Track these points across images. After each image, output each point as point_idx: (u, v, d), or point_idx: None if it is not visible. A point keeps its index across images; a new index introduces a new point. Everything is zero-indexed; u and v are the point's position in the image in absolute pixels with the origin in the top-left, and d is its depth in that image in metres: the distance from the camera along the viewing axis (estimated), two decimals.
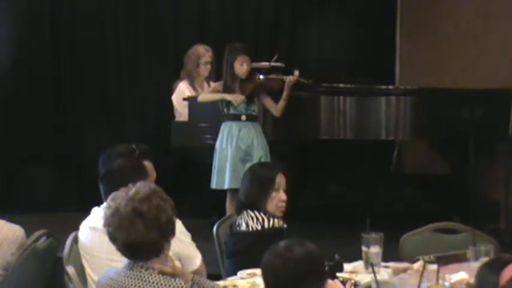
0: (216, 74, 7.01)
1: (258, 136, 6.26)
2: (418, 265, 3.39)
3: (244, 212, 3.91)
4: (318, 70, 7.74)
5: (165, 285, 2.83)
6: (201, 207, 6.84)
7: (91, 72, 8.06)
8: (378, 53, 8.25)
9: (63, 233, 3.74)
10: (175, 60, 7.63)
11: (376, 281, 3.04)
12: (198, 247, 3.60)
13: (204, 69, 7.11)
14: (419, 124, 6.62)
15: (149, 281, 2.85)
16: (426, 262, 3.12)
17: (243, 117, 6.25)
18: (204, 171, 6.52)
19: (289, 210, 4.01)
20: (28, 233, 3.77)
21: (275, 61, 6.46)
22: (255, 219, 3.86)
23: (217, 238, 4.20)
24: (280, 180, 3.97)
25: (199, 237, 3.75)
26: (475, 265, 2.94)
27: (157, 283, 2.84)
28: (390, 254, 3.79)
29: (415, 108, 6.56)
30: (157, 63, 8.06)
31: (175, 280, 2.85)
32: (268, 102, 6.32)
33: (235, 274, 3.57)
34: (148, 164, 3.60)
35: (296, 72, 6.28)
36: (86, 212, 3.66)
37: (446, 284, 3.10)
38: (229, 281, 3.51)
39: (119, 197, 2.93)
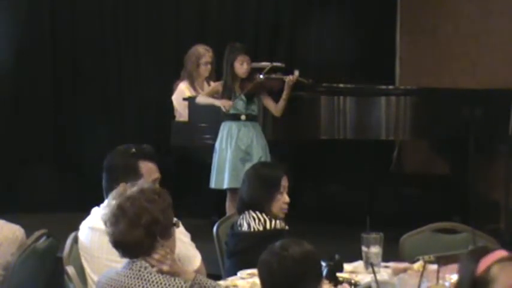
0: (216, 74, 7.01)
1: (258, 136, 6.26)
2: (418, 265, 3.40)
3: (246, 212, 3.90)
4: (318, 70, 7.75)
5: (165, 284, 2.83)
6: (201, 207, 6.84)
7: (91, 72, 8.06)
8: (377, 53, 8.25)
9: (63, 233, 3.74)
10: (175, 60, 7.63)
11: (376, 281, 3.04)
12: (198, 247, 3.59)
13: (204, 70, 7.12)
14: (419, 124, 6.62)
15: (149, 280, 2.85)
16: (426, 262, 3.11)
17: (243, 117, 6.25)
18: (204, 171, 6.52)
19: (289, 210, 4.01)
20: (28, 233, 3.77)
21: (270, 54, 6.45)
22: (257, 220, 3.86)
23: (217, 238, 4.20)
24: (285, 182, 3.96)
25: (199, 237, 3.75)
26: None
27: (157, 282, 2.84)
28: (390, 254, 3.79)
29: (415, 108, 6.56)
30: (157, 63, 8.06)
31: (175, 279, 2.86)
32: (268, 102, 6.32)
33: (236, 274, 3.57)
34: (145, 165, 3.59)
35: (296, 72, 6.28)
36: (86, 212, 3.66)
37: (446, 284, 3.10)
38: (229, 281, 3.51)
39: (113, 193, 3.00)
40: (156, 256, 2.92)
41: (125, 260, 2.95)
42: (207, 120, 6.69)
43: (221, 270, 4.08)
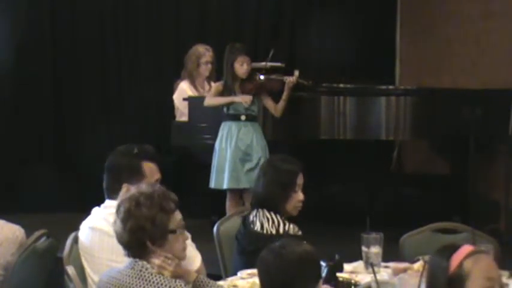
0: (216, 73, 7.01)
1: (258, 136, 6.26)
2: (418, 265, 3.40)
3: (260, 210, 3.85)
4: (318, 70, 7.75)
5: (166, 285, 2.83)
6: (201, 207, 6.83)
7: (91, 72, 8.06)
8: (378, 53, 8.25)
9: (63, 233, 3.74)
10: (175, 60, 7.63)
11: (376, 281, 3.04)
12: (198, 247, 3.59)
13: (205, 69, 7.11)
14: (419, 124, 6.62)
15: (150, 281, 2.85)
16: (426, 262, 3.11)
17: (243, 117, 6.25)
18: (204, 171, 6.52)
19: None
20: (28, 233, 3.77)
21: (272, 58, 6.44)
22: (270, 222, 3.81)
23: (217, 238, 4.20)
24: (301, 180, 3.91)
25: (199, 237, 3.74)
26: None
27: (157, 283, 2.84)
28: (390, 254, 3.79)
29: (415, 108, 6.56)
30: (157, 63, 8.06)
31: (175, 281, 2.86)
32: (268, 102, 6.32)
33: None
34: (148, 166, 3.59)
35: (296, 72, 6.28)
36: (86, 212, 3.66)
37: None
38: (229, 281, 3.51)
39: (120, 193, 3.09)
40: (156, 261, 2.91)
41: (126, 260, 2.95)
42: (207, 120, 6.69)
43: (221, 270, 4.08)
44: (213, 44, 7.30)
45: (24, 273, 3.68)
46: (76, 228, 3.64)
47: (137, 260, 2.91)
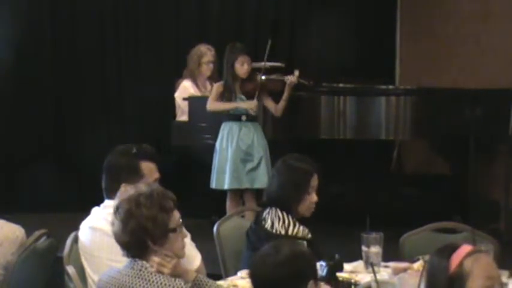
0: (217, 73, 7.01)
1: (258, 136, 6.26)
2: (418, 265, 3.40)
3: (273, 208, 3.83)
4: (318, 70, 7.74)
5: (166, 284, 2.84)
6: (201, 207, 6.83)
7: (91, 72, 8.06)
8: (377, 53, 8.25)
9: (63, 233, 3.74)
10: (176, 60, 7.64)
11: (376, 281, 3.04)
12: (198, 247, 3.59)
13: (206, 69, 7.11)
14: (419, 124, 6.62)
15: (149, 280, 2.85)
16: (426, 262, 3.11)
17: (243, 117, 6.25)
18: (204, 171, 6.52)
19: None
20: (28, 233, 3.77)
21: (269, 55, 6.41)
22: (281, 221, 3.79)
23: (217, 238, 4.20)
24: (315, 182, 3.90)
25: (199, 237, 3.74)
26: None
27: (157, 282, 2.84)
28: (390, 254, 3.79)
29: (415, 108, 6.56)
30: (157, 63, 8.06)
31: (175, 280, 2.86)
32: (269, 102, 6.32)
33: None
34: (147, 165, 3.59)
35: (296, 72, 6.28)
36: (86, 212, 3.66)
37: None
38: (229, 280, 3.51)
39: (118, 194, 3.06)
40: (156, 259, 2.92)
41: (126, 260, 2.95)
42: (207, 119, 6.69)
43: (221, 270, 4.08)
44: (213, 44, 7.29)
45: (24, 273, 3.68)
46: (76, 228, 3.64)
47: (137, 259, 2.91)
